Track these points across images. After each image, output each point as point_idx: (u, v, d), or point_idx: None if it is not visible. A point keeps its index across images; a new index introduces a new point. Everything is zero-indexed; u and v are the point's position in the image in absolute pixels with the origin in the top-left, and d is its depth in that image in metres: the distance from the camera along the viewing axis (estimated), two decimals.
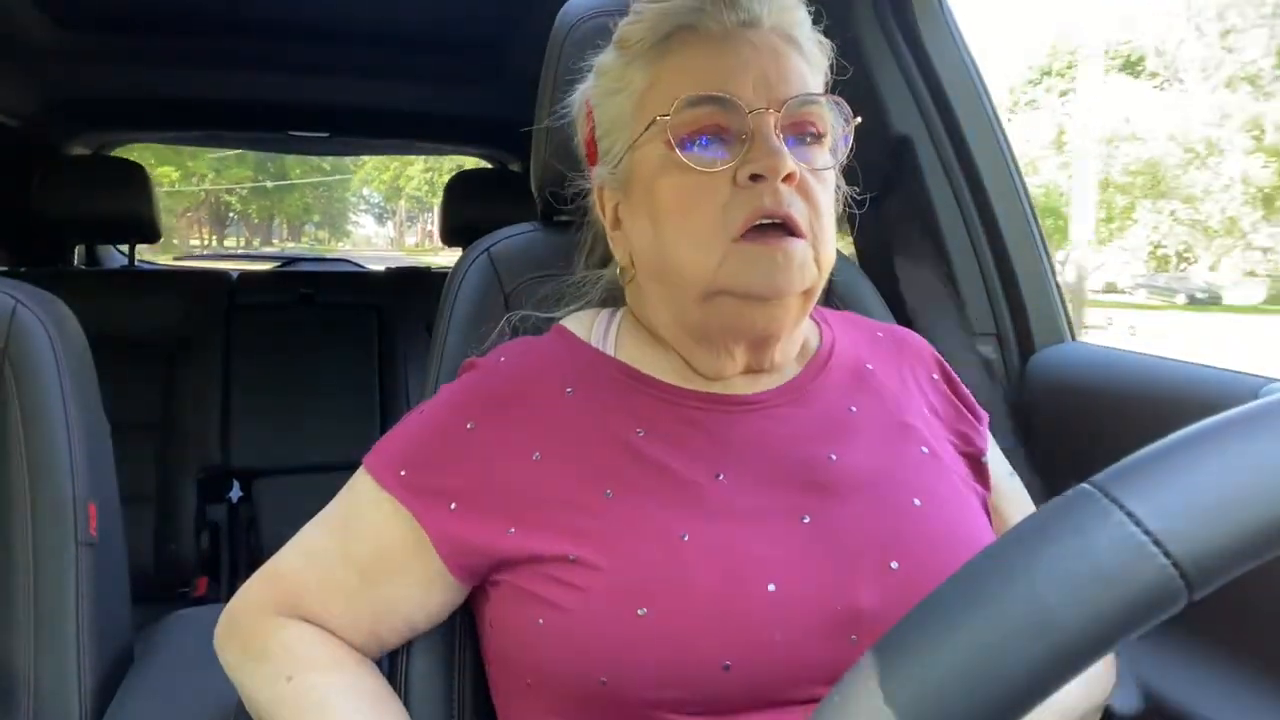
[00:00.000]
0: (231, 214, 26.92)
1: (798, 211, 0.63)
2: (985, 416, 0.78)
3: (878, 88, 1.26)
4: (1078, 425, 1.09)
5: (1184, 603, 0.26)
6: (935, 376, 0.77)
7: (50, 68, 2.18)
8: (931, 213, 1.24)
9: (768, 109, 0.63)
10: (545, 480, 0.64)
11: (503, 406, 0.68)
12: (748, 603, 0.58)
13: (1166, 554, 0.26)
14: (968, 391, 0.78)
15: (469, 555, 0.65)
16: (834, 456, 0.66)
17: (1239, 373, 0.92)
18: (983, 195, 1.23)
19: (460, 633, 0.73)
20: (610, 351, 0.72)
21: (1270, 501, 0.26)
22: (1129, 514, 0.26)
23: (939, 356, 0.79)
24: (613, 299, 0.79)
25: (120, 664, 0.93)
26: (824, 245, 0.65)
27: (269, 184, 25.73)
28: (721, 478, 0.64)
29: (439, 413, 0.70)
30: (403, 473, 0.67)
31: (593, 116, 0.73)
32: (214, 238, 25.68)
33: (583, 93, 0.76)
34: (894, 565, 0.61)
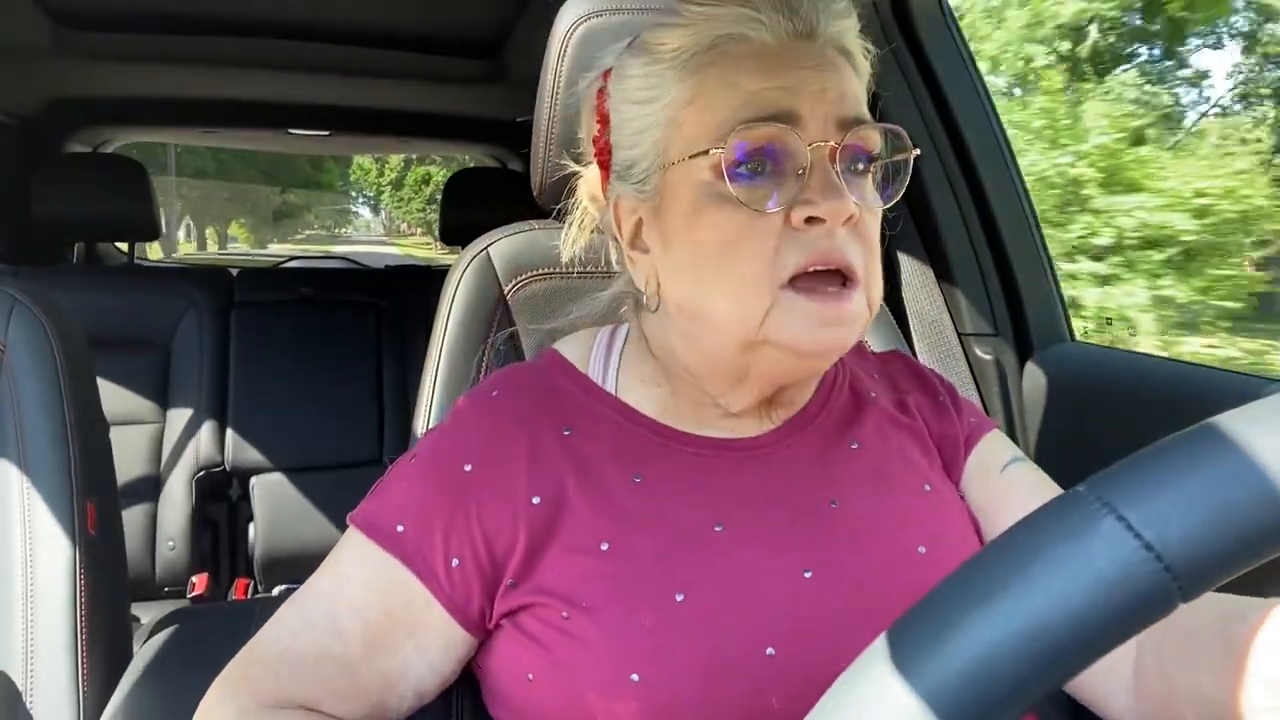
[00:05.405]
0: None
1: (854, 257, 0.57)
2: (989, 425, 0.73)
3: (877, 90, 1.25)
4: (1077, 425, 1.09)
5: (1177, 607, 0.26)
6: (941, 399, 0.73)
7: (50, 67, 2.17)
8: (931, 214, 1.25)
9: (827, 140, 0.57)
10: (544, 528, 0.60)
11: (501, 447, 0.63)
12: (744, 668, 0.54)
13: (1159, 558, 0.26)
14: (974, 405, 0.75)
15: (474, 608, 0.61)
16: (836, 503, 0.63)
17: (1238, 373, 0.92)
18: (982, 197, 1.23)
19: (456, 688, 0.70)
20: (610, 387, 0.67)
21: (1263, 504, 0.26)
22: (1120, 518, 0.26)
23: (941, 377, 0.76)
24: (615, 313, 0.74)
25: (120, 663, 0.92)
26: (875, 287, 0.59)
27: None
28: (720, 529, 0.60)
29: (433, 458, 0.64)
30: (400, 529, 0.61)
31: (608, 119, 0.66)
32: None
33: (591, 88, 0.68)
34: None
